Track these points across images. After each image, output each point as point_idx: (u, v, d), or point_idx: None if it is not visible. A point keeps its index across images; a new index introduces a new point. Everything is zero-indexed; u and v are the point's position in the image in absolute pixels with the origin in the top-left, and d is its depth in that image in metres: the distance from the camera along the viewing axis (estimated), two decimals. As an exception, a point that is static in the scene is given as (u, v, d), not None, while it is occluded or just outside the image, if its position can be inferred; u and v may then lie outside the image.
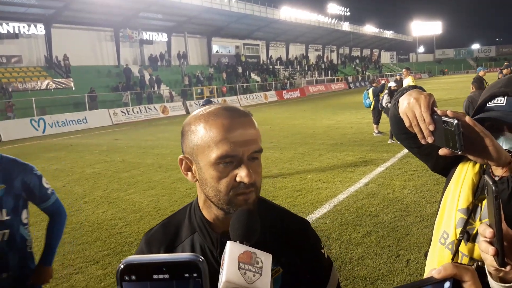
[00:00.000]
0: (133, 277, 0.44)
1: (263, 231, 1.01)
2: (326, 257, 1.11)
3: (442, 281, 0.54)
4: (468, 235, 1.18)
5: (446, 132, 0.93)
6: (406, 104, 1.03)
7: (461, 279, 0.56)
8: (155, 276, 0.44)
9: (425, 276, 1.37)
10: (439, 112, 0.96)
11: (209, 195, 0.96)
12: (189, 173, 1.00)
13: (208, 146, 0.92)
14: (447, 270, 0.55)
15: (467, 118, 0.95)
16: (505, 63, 16.57)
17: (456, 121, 0.89)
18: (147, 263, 0.45)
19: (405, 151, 9.34)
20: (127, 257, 0.46)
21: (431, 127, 0.96)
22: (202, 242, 1.02)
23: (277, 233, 1.04)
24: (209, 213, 1.01)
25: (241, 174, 0.91)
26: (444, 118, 0.93)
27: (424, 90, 1.09)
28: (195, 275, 0.45)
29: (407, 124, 1.04)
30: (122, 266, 0.45)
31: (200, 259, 0.45)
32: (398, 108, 1.10)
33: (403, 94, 1.09)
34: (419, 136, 1.00)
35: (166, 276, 0.44)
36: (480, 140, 0.96)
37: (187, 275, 0.44)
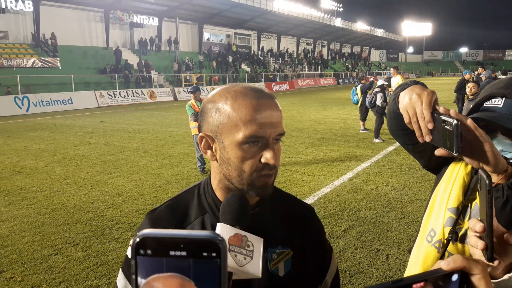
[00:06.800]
0: (149, 252, 0.42)
1: (272, 215, 1.02)
2: (327, 242, 1.14)
3: (450, 273, 0.53)
4: (456, 235, 1.18)
5: (444, 132, 0.90)
6: (408, 100, 1.00)
7: (470, 272, 0.54)
8: (171, 253, 0.42)
9: (407, 272, 1.38)
10: (440, 110, 0.93)
11: (231, 175, 0.94)
12: (209, 151, 0.97)
13: (235, 125, 0.90)
14: (456, 262, 0.53)
15: (469, 121, 0.92)
16: (479, 68, 16.69)
17: (455, 122, 0.86)
18: (164, 237, 0.42)
19: (390, 148, 9.44)
20: (143, 230, 0.43)
21: (430, 126, 0.94)
22: (214, 223, 0.99)
23: (286, 218, 1.06)
24: (224, 193, 1.00)
25: (267, 156, 0.90)
26: (444, 118, 0.90)
27: (426, 87, 1.06)
28: (213, 254, 0.42)
29: (406, 120, 1.01)
30: (138, 239, 0.42)
31: (220, 238, 0.43)
32: (398, 103, 1.06)
33: (404, 89, 1.06)
34: (417, 134, 0.98)
35: (183, 253, 0.42)
36: (479, 144, 0.93)
37: (205, 254, 0.42)
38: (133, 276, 0.42)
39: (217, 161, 0.96)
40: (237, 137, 0.90)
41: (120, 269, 1.04)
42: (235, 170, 0.92)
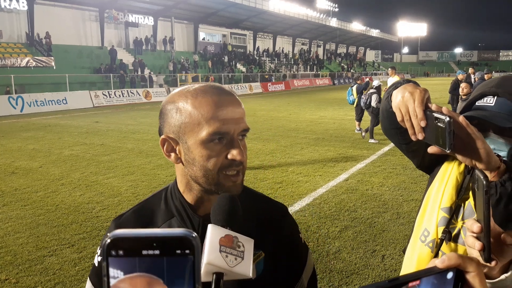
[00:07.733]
0: (121, 252, 0.41)
1: (243, 217, 1.01)
2: (302, 242, 1.11)
3: (445, 271, 0.53)
4: (450, 234, 1.18)
5: (437, 130, 0.90)
6: (400, 98, 1.00)
7: (465, 269, 0.54)
8: (144, 252, 0.41)
9: (402, 272, 1.38)
10: (433, 108, 0.94)
11: (197, 176, 0.92)
12: (173, 154, 0.95)
13: (198, 123, 0.88)
14: (451, 260, 0.54)
15: (461, 118, 0.92)
16: (469, 68, 16.52)
17: (447, 119, 0.86)
18: (136, 237, 0.42)
19: (385, 149, 9.46)
20: (114, 231, 0.42)
21: (423, 123, 0.94)
22: (181, 227, 0.98)
23: (257, 218, 1.03)
24: (191, 196, 0.98)
25: (233, 152, 0.89)
26: (436, 115, 0.90)
27: (419, 85, 1.06)
28: (187, 251, 0.42)
29: (399, 118, 1.01)
30: (108, 240, 0.41)
31: (194, 235, 0.42)
32: (391, 101, 1.07)
33: (397, 87, 1.06)
34: (410, 132, 0.98)
35: (157, 252, 0.41)
36: (471, 141, 0.94)
37: (179, 251, 0.42)
38: (105, 278, 0.41)
39: (182, 164, 0.94)
40: (200, 135, 0.88)
41: (88, 278, 1.03)
42: (201, 170, 0.91)
